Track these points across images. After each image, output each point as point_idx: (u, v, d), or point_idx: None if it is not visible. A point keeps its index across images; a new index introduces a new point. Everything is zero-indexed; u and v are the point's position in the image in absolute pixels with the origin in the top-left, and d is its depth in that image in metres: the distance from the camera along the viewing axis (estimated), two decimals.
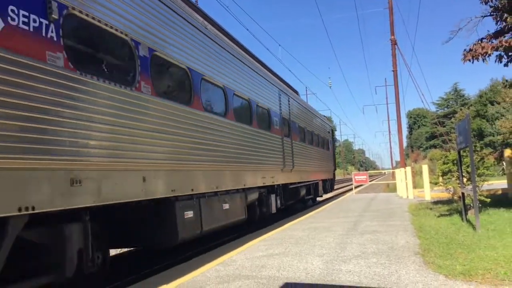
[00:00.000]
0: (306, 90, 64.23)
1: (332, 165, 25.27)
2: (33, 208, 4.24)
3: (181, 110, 7.50)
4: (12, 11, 4.19)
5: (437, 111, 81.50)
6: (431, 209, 12.46)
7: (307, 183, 18.19)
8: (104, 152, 5.36)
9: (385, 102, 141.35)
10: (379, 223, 10.27)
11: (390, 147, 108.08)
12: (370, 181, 34.57)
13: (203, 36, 8.78)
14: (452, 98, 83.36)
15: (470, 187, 8.66)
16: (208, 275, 5.83)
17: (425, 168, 19.13)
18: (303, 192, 17.44)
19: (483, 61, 10.18)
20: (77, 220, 5.31)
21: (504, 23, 9.85)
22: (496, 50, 9.93)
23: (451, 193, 11.54)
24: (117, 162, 5.61)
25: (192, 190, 7.72)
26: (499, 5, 9.99)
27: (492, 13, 10.50)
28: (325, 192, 23.47)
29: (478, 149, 10.91)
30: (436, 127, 65.92)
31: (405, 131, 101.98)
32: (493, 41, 10.13)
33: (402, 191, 20.57)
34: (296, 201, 16.83)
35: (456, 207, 11.04)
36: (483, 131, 57.11)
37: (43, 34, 4.56)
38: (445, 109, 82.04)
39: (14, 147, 4.07)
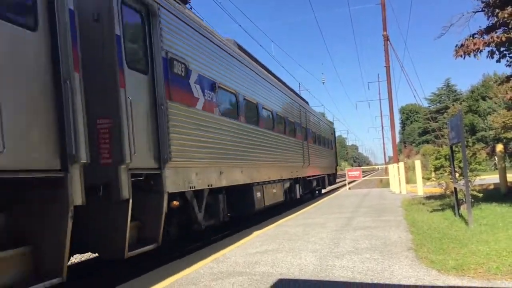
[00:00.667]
0: (300, 86, 64.25)
1: (334, 161, 28.48)
2: (211, 185, 8.69)
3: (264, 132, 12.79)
4: None
5: (429, 106, 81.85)
6: (423, 204, 12.53)
7: (317, 177, 22.29)
8: (229, 157, 9.67)
9: (378, 97, 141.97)
10: (372, 218, 10.31)
11: (383, 143, 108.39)
12: (363, 177, 34.64)
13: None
14: (444, 94, 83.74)
15: (462, 182, 8.71)
16: (202, 272, 5.83)
17: (417, 164, 19.23)
18: (314, 184, 21.62)
19: (475, 57, 10.22)
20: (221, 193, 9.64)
21: (495, 19, 9.87)
22: (488, 45, 9.97)
23: (443, 188, 11.59)
24: (232, 162, 9.84)
25: (259, 179, 11.86)
26: (491, 1, 10.01)
27: (483, 9, 10.55)
28: (330, 184, 26.74)
29: (470, 144, 10.97)
30: (428, 123, 66.19)
31: (398, 127, 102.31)
32: (485, 36, 10.16)
33: (395, 186, 20.66)
34: (310, 190, 21.21)
35: (449, 202, 11.10)
36: (475, 126, 57.47)
37: None
38: (438, 104, 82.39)
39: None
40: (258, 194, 11.81)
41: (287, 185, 15.46)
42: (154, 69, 6.61)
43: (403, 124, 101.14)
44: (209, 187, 8.65)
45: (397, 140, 52.10)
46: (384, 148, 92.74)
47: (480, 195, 9.92)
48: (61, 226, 4.35)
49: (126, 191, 5.56)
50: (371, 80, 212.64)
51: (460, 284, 4.41)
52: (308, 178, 19.48)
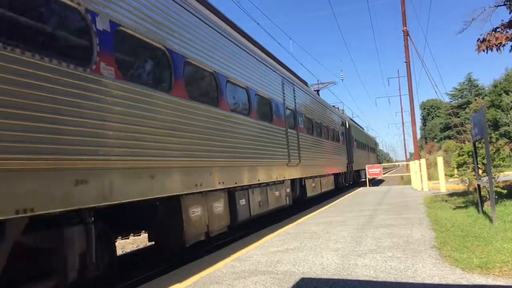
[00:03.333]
0: (318, 83, 63.83)
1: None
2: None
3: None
4: None
5: (451, 101, 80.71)
6: (446, 201, 12.38)
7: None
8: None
9: (398, 93, 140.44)
10: (394, 216, 10.23)
11: (404, 139, 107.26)
12: (384, 174, 34.35)
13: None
14: (466, 89, 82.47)
15: (485, 178, 8.58)
16: (224, 271, 5.86)
17: (439, 160, 18.99)
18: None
19: (497, 51, 10.07)
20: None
21: None
22: (511, 40, 9.81)
23: (466, 185, 11.44)
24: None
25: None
26: None
27: (505, 3, 10.37)
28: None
29: (494, 140, 10.79)
30: (450, 118, 65.27)
31: (418, 123, 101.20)
32: (507, 30, 9.99)
33: (417, 183, 20.44)
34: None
35: (472, 199, 10.95)
36: (498, 121, 56.46)
37: None
38: (459, 99, 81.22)
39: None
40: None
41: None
42: None
43: (424, 120, 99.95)
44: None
45: (418, 136, 51.49)
46: (405, 145, 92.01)
47: (504, 191, 9.77)
48: None
49: None
50: (391, 76, 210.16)
51: (485, 283, 4.35)
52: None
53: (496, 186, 9.27)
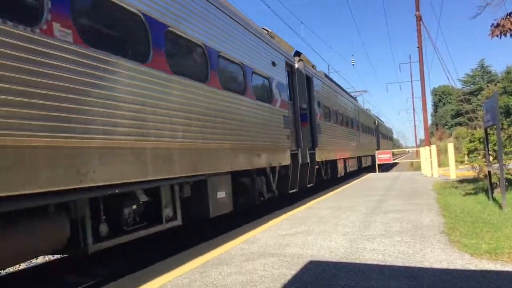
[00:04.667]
0: (329, 68, 63.56)
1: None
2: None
3: None
4: None
5: (463, 88, 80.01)
6: (456, 187, 12.33)
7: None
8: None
9: (409, 79, 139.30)
10: (403, 202, 10.22)
11: (414, 125, 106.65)
12: (393, 160, 34.31)
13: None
14: (478, 75, 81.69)
15: (496, 165, 8.54)
16: (233, 252, 5.92)
17: (450, 146, 18.88)
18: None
19: (511, 36, 9.92)
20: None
21: None
22: None
23: (477, 171, 11.41)
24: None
25: None
26: None
27: None
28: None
29: (505, 126, 10.71)
30: (462, 105, 64.69)
31: (429, 109, 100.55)
32: None
33: (427, 169, 20.39)
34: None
35: (482, 185, 10.91)
36: (510, 108, 55.93)
37: None
38: (471, 86, 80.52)
39: None
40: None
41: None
42: None
43: (435, 106, 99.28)
44: None
45: (429, 122, 51.25)
46: (415, 131, 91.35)
47: None
48: None
49: None
50: (402, 61, 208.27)
51: (493, 268, 4.36)
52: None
53: (507, 173, 9.22)
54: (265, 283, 4.35)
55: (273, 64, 11.82)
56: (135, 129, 5.70)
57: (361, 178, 21.16)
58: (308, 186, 14.66)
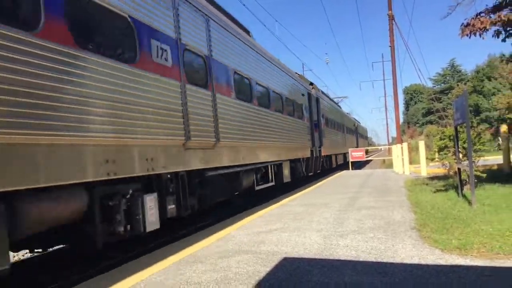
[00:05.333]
0: (303, 66, 63.97)
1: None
2: None
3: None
4: None
5: (434, 87, 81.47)
6: (427, 184, 12.57)
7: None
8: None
9: (382, 78, 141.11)
10: (375, 199, 10.37)
11: (387, 123, 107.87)
12: (366, 157, 34.75)
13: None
14: (449, 74, 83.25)
15: (466, 162, 8.73)
16: (208, 250, 5.91)
17: (421, 144, 19.24)
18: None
19: (480, 36, 10.14)
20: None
21: None
22: (494, 25, 9.88)
23: (447, 168, 11.62)
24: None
25: None
26: None
27: None
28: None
29: (475, 125, 10.98)
30: (432, 103, 65.90)
31: (401, 107, 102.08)
32: (491, 15, 10.06)
33: (399, 167, 20.70)
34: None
35: (452, 182, 11.14)
36: (479, 106, 57.26)
37: None
38: (442, 85, 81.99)
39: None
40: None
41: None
42: None
43: (407, 105, 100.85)
44: None
45: (401, 120, 52.07)
46: (387, 129, 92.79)
47: (484, 175, 9.95)
48: None
49: None
50: (375, 60, 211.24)
51: (463, 263, 4.46)
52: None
53: (476, 170, 9.43)
54: (239, 280, 4.36)
55: (303, 95, 19.57)
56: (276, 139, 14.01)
57: (335, 176, 21.35)
58: (318, 171, 22.33)
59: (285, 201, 11.32)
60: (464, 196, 8.79)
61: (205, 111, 8.74)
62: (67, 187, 5.18)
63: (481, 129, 11.01)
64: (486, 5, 10.45)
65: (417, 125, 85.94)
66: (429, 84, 79.94)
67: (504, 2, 9.74)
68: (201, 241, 6.59)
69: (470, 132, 8.08)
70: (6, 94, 4.30)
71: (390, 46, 27.51)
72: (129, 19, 6.46)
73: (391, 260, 4.74)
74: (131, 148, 6.27)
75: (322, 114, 23.81)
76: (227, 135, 9.72)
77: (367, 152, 34.13)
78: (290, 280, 4.26)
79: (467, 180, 8.96)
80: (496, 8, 10.11)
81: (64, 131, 4.99)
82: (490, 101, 54.22)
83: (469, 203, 7.82)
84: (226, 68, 10.19)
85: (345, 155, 34.23)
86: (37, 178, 4.62)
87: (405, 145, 20.87)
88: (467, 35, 10.03)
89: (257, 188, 12.68)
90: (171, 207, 7.60)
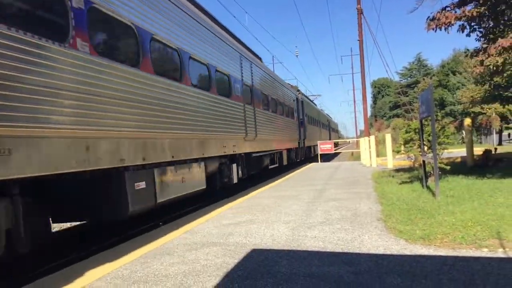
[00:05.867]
0: (273, 59, 64.08)
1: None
2: None
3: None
4: None
5: (400, 80, 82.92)
6: (393, 176, 12.81)
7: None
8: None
9: (350, 71, 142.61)
10: (343, 190, 10.51)
11: (355, 116, 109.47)
12: (335, 150, 35.17)
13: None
14: (415, 68, 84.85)
15: (430, 155, 8.91)
16: (176, 242, 5.87)
17: (388, 137, 19.58)
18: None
19: (445, 31, 10.32)
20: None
21: None
22: (459, 20, 10.07)
23: (412, 161, 11.87)
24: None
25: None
26: None
27: None
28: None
29: (439, 118, 11.20)
30: (399, 97, 67.07)
31: (369, 101, 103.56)
32: (456, 10, 10.25)
33: (366, 159, 21.03)
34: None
35: (417, 174, 11.38)
36: (444, 100, 58.54)
37: None
38: (409, 79, 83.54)
39: None
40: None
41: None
42: None
43: (375, 98, 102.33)
44: None
45: (369, 113, 52.90)
46: (355, 122, 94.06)
47: (448, 167, 10.19)
48: None
49: None
50: (345, 54, 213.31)
51: (426, 253, 4.57)
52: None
53: (440, 162, 9.65)
54: (207, 272, 4.35)
55: (293, 100, 24.91)
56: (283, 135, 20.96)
57: (303, 168, 21.53)
58: (302, 159, 28.32)
59: (255, 193, 11.35)
60: (428, 187, 8.99)
61: (251, 118, 14.54)
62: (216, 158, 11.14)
63: (445, 122, 11.25)
64: (452, 0, 10.64)
65: (385, 118, 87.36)
66: (396, 78, 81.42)
67: None
68: (169, 234, 6.55)
69: (435, 125, 8.25)
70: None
71: (358, 40, 27.82)
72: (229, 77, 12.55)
73: (357, 251, 4.82)
74: (229, 141, 12.01)
75: (306, 113, 29.54)
76: (260, 132, 15.67)
77: (336, 144, 35.39)
78: (258, 271, 4.28)
79: (432, 172, 9.16)
80: (461, 3, 10.30)
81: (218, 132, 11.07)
82: (454, 95, 55.55)
83: (433, 194, 8.00)
84: (260, 91, 16.58)
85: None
86: (213, 152, 10.59)
87: (372, 138, 21.19)
88: (433, 29, 10.19)
89: (270, 167, 18.48)
90: (241, 172, 13.63)
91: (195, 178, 9.51)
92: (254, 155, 15.08)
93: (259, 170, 16.41)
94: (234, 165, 12.85)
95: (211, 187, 10.92)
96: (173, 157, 8.26)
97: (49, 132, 5.01)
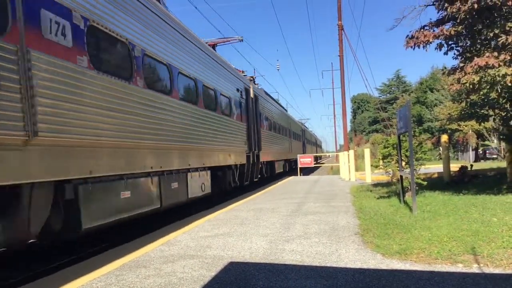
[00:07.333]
0: (255, 71, 64.34)
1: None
2: None
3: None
4: None
5: (380, 96, 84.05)
6: (371, 191, 12.90)
7: None
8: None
9: (331, 86, 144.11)
10: (322, 204, 10.53)
11: (335, 131, 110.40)
12: (315, 164, 35.31)
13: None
14: (394, 85, 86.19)
15: (408, 170, 9.01)
16: (152, 255, 5.80)
17: (367, 152, 19.75)
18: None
19: (424, 48, 10.50)
20: None
21: (445, 13, 10.16)
22: (437, 38, 10.26)
23: (390, 176, 11.96)
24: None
25: None
26: None
27: (434, 2, 10.82)
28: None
29: (417, 134, 11.34)
30: (378, 112, 67.89)
31: (349, 115, 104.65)
32: (435, 29, 10.45)
33: (345, 173, 21.15)
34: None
35: (395, 189, 11.48)
36: (422, 117, 59.37)
37: None
38: (388, 95, 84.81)
39: None
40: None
41: None
42: None
43: (354, 113, 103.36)
44: None
45: (348, 128, 53.35)
46: (335, 136, 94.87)
47: (425, 183, 10.31)
48: None
49: None
50: (325, 69, 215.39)
51: (403, 268, 4.60)
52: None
53: (417, 178, 9.75)
54: (184, 285, 4.30)
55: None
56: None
57: (283, 181, 21.54)
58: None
59: (233, 205, 11.30)
60: (405, 202, 9.07)
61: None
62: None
63: (423, 138, 11.39)
64: (430, 19, 10.85)
65: (364, 133, 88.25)
66: (376, 94, 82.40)
67: (447, 17, 10.13)
68: (145, 246, 6.46)
69: (412, 141, 8.35)
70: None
71: (339, 56, 28.14)
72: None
73: (334, 265, 4.82)
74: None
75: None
76: (264, 147, 19.97)
77: (316, 159, 34.50)
78: (235, 284, 4.24)
79: (409, 187, 9.26)
80: (439, 22, 10.50)
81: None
82: (432, 112, 56.39)
83: (410, 209, 8.08)
84: (267, 117, 21.86)
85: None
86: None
87: (351, 152, 21.36)
88: (411, 46, 10.35)
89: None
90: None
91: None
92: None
93: (268, 174, 20.45)
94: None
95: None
96: None
97: None
